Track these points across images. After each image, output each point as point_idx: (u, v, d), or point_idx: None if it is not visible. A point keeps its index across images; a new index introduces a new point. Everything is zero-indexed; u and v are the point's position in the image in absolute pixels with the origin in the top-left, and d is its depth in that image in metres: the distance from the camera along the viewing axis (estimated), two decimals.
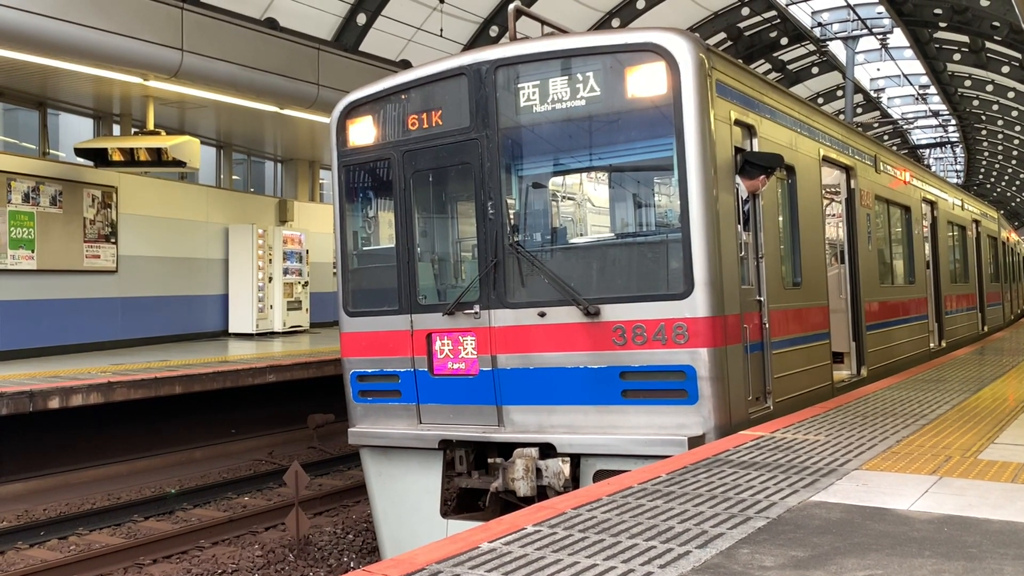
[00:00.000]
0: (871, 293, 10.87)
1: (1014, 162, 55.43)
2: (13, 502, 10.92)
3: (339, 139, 8.26)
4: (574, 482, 6.88)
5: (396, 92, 7.94)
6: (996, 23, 25.50)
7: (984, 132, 47.72)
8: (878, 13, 28.13)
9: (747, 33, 27.97)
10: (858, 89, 35.51)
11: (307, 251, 21.20)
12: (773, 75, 30.19)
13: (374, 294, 8.30)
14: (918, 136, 46.84)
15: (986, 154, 55.51)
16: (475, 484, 7.50)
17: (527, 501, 6.57)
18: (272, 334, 20.10)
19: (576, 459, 6.94)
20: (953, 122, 42.26)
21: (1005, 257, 25.39)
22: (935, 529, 4.03)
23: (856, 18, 26.10)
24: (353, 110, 8.18)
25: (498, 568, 3.58)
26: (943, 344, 14.87)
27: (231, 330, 19.46)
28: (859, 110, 37.79)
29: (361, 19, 19.42)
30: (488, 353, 7.33)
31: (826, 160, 9.63)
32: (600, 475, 6.63)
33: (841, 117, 21.01)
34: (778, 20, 27.86)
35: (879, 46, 29.49)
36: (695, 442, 6.47)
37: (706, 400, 6.59)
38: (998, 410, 7.51)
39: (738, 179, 7.29)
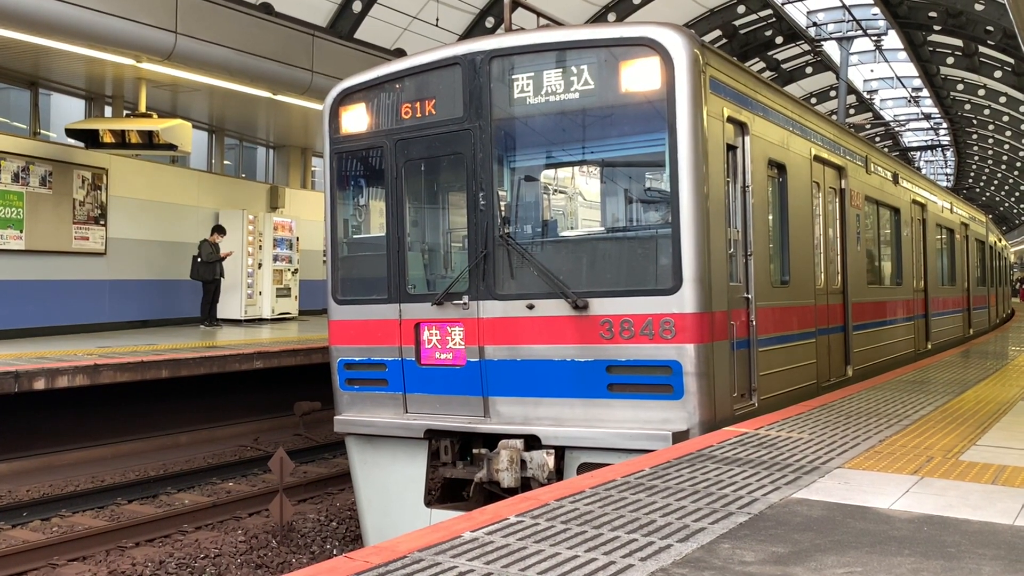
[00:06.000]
0: (859, 293, 10.91)
1: (1003, 167, 55.72)
2: None
3: (332, 126, 8.25)
4: (558, 474, 6.90)
5: (390, 80, 7.93)
6: (990, 28, 25.59)
7: (975, 136, 47.95)
8: (873, 15, 28.18)
9: (742, 31, 27.97)
10: (851, 90, 35.54)
11: (297, 238, 21.14)
12: (767, 74, 30.24)
13: (363, 283, 8.30)
14: (909, 138, 47.00)
15: (976, 158, 55.77)
16: (460, 474, 7.52)
17: (511, 492, 6.59)
18: (261, 321, 20.06)
19: (561, 451, 6.97)
20: (944, 125, 42.43)
21: (992, 261, 25.52)
22: (915, 528, 4.07)
23: (851, 19, 26.14)
24: (346, 97, 8.17)
25: (480, 557, 3.59)
26: (929, 346, 14.95)
27: (219, 316, 19.41)
28: (852, 111, 37.87)
29: (357, 6, 19.34)
30: (476, 344, 7.34)
31: (817, 159, 9.66)
32: (584, 468, 6.66)
33: (834, 117, 21.06)
34: (773, 19, 27.87)
35: (873, 48, 29.55)
36: (679, 437, 6.50)
37: (691, 396, 6.61)
38: (981, 412, 7.57)
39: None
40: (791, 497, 4.60)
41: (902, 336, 13.27)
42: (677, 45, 6.76)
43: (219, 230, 18.27)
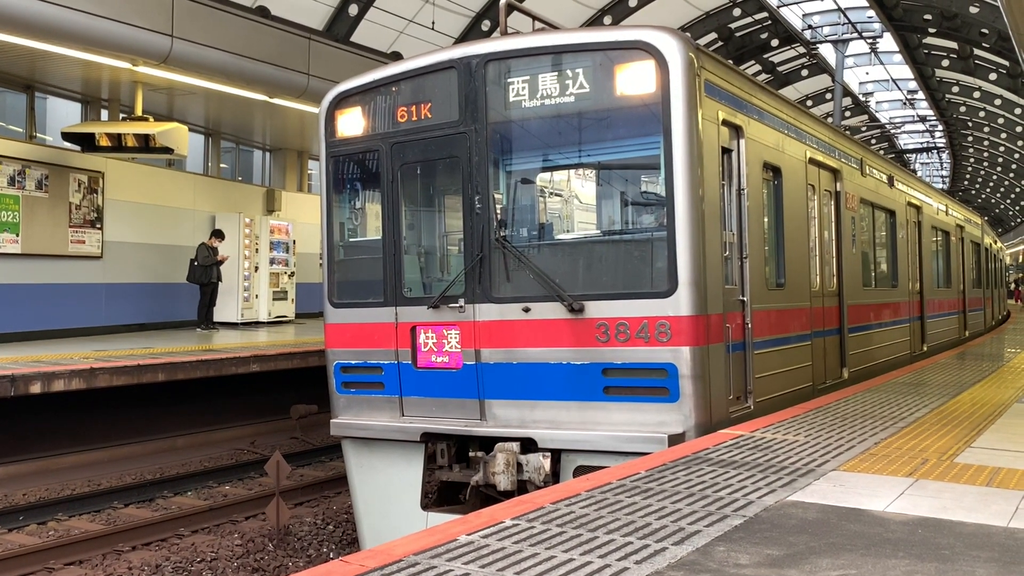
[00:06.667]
0: (854, 296, 10.93)
1: (999, 169, 55.86)
2: None
3: (328, 129, 8.26)
4: (554, 477, 6.90)
5: (386, 84, 7.94)
6: (985, 30, 25.66)
7: (970, 138, 48.06)
8: (868, 17, 28.27)
9: (738, 34, 28.05)
10: (847, 92, 35.65)
11: (294, 241, 21.14)
12: (763, 76, 30.28)
13: (360, 286, 8.30)
14: (905, 141, 47.10)
15: (971, 160, 55.90)
16: (456, 477, 7.52)
17: (507, 495, 6.59)
18: (257, 324, 20.04)
19: (557, 454, 6.97)
20: (940, 128, 42.53)
21: (987, 263, 25.56)
22: (909, 531, 4.08)
23: (847, 22, 26.22)
24: (342, 101, 8.17)
25: (475, 561, 3.60)
26: (925, 348, 14.97)
27: (216, 319, 19.39)
28: (847, 113, 37.97)
29: (353, 10, 19.38)
30: (472, 347, 7.35)
31: (812, 162, 9.68)
32: (580, 471, 6.66)
33: (830, 120, 21.10)
34: (769, 22, 27.96)
35: (869, 50, 29.63)
36: (675, 440, 6.51)
37: (687, 398, 6.62)
38: (976, 414, 7.58)
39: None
40: (786, 500, 4.61)
41: (898, 338, 13.29)
42: (672, 48, 6.77)
43: (218, 234, 18.25)
